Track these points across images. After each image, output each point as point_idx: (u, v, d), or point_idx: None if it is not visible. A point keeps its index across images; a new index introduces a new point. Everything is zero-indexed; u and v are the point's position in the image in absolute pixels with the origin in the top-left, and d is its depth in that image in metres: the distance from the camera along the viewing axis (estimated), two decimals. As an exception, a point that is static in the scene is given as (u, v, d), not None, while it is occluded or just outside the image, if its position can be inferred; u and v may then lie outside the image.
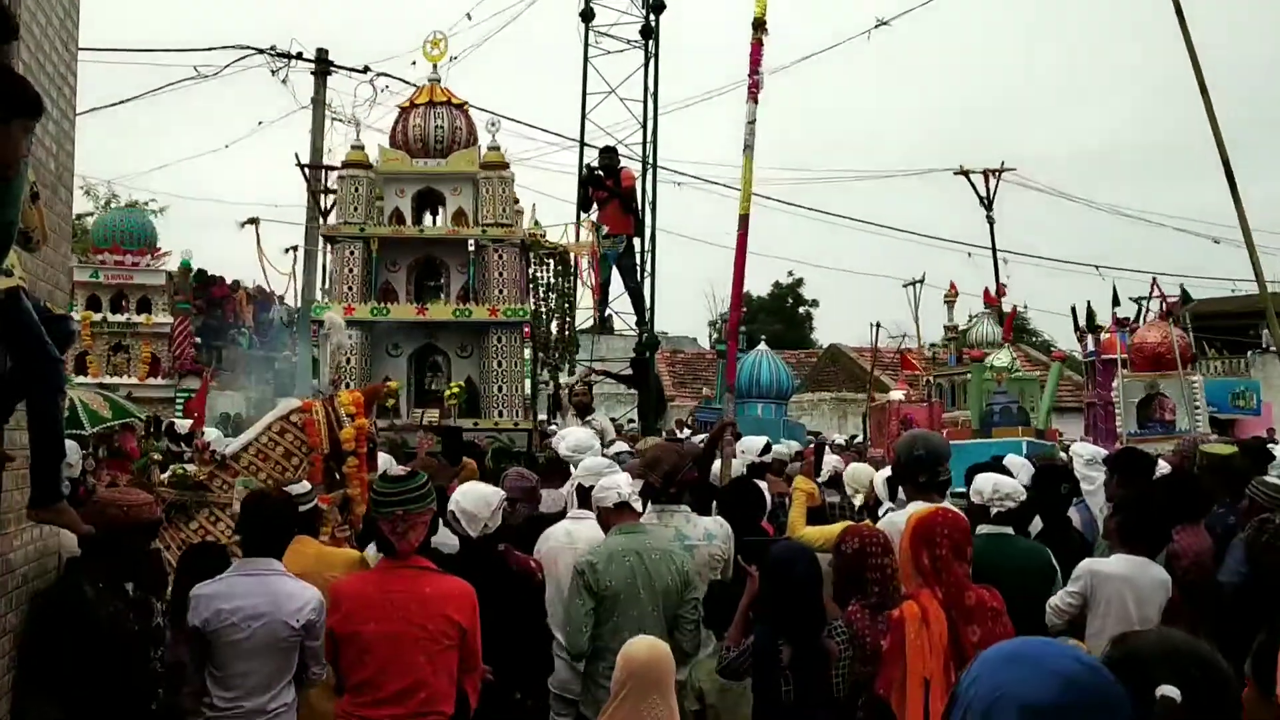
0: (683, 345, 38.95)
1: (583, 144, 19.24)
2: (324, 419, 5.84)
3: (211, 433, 7.98)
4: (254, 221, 17.29)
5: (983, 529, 4.95)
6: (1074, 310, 17.07)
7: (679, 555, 4.68)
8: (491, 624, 4.22)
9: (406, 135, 10.83)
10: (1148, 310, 16.40)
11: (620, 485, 4.79)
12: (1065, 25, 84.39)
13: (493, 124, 11.08)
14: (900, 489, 5.50)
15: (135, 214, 17.94)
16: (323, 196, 21.17)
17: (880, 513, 5.87)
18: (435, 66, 11.38)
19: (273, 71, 20.73)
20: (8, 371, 3.49)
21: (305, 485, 5.03)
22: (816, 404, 30.36)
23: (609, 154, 16.34)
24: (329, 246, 10.88)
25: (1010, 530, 5.16)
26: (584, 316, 14.18)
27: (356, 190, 10.54)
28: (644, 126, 19.41)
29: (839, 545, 4.51)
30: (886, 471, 6.10)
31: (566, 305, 12.48)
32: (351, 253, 10.35)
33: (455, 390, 10.23)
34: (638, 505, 4.79)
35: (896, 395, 17.04)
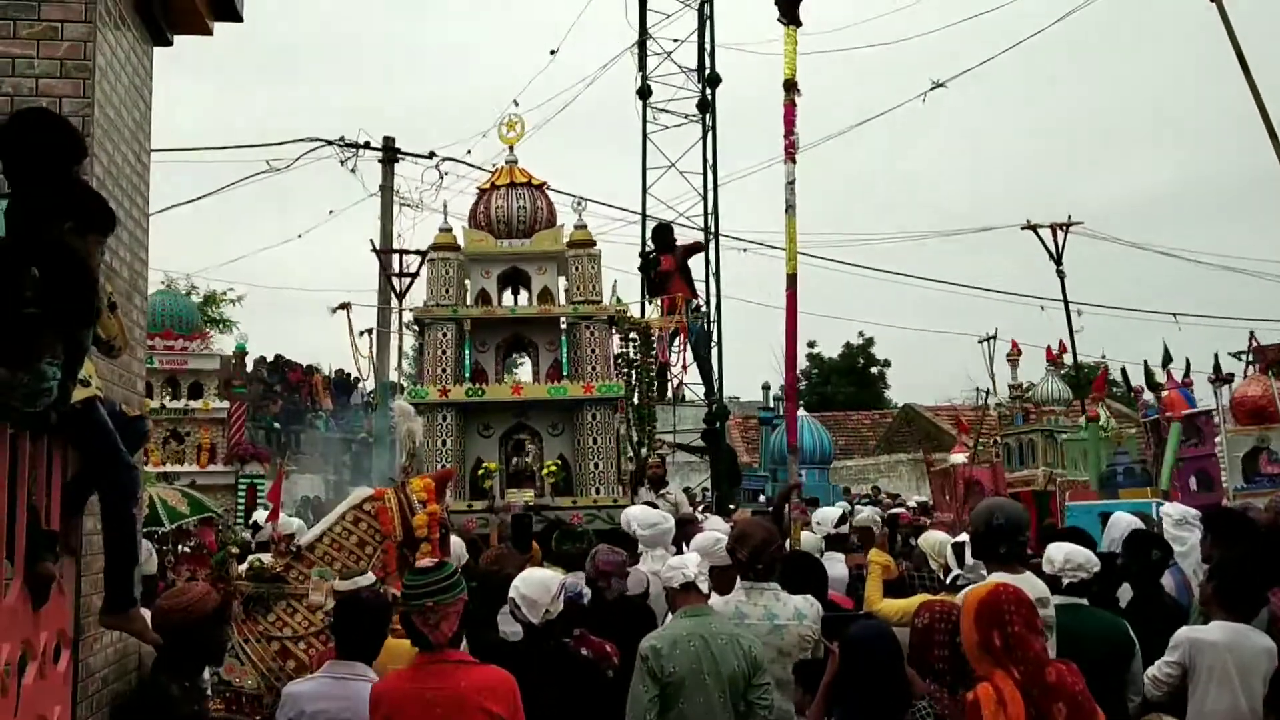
0: (754, 411, 38.77)
1: (644, 218, 19.44)
2: (396, 506, 5.86)
3: (294, 522, 8.09)
4: (345, 306, 17.52)
5: (1055, 600, 4.78)
6: (1146, 365, 16.70)
7: (745, 639, 4.55)
8: (557, 712, 4.17)
9: (489, 216, 11.00)
10: (1249, 363, 16.01)
11: (688, 565, 4.71)
12: (1120, 70, 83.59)
13: (579, 203, 11.25)
14: (970, 555, 5.34)
15: (179, 298, 17.81)
16: (396, 279, 21.66)
17: (948, 580, 5.71)
18: (511, 148, 11.62)
19: (342, 161, 21.37)
20: (79, 474, 3.58)
21: (370, 577, 5.03)
22: (894, 465, 29.89)
23: (662, 233, 16.55)
24: (421, 329, 10.94)
25: (1084, 601, 5.01)
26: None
27: (447, 272, 10.63)
28: (704, 198, 19.57)
29: (914, 621, 4.44)
30: (957, 537, 5.94)
31: (651, 379, 12.52)
32: (444, 334, 10.44)
33: (553, 468, 10.22)
34: (704, 586, 4.70)
35: (958, 458, 16.79)
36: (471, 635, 4.76)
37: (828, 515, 7.58)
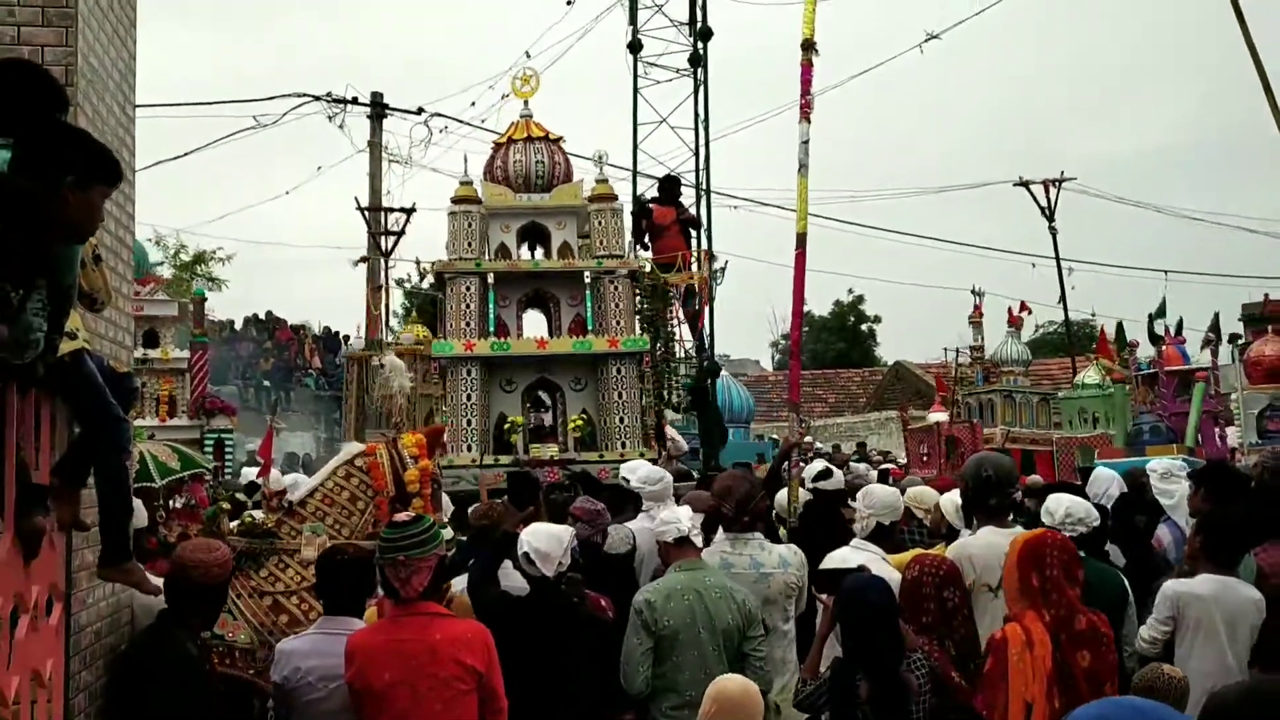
0: (745, 369, 38.82)
1: (635, 174, 19.30)
2: (388, 462, 5.85)
3: (287, 479, 8.08)
4: (366, 260, 17.27)
5: None
6: (1150, 319, 16.86)
7: (740, 593, 4.59)
8: (563, 665, 4.19)
9: (507, 171, 10.93)
10: (1252, 321, 16.35)
11: (681, 520, 4.73)
12: (1117, 26, 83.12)
13: (600, 156, 11.16)
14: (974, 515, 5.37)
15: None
16: (383, 238, 21.53)
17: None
18: (526, 103, 11.54)
19: (329, 117, 21.17)
20: (76, 436, 3.56)
21: (449, 533, 5.00)
22: (884, 423, 30.01)
23: (669, 185, 16.32)
24: (441, 282, 10.76)
25: (1081, 554, 5.01)
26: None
27: (469, 225, 10.55)
28: (696, 154, 19.43)
29: (904, 573, 4.47)
30: (955, 497, 5.96)
31: (670, 335, 12.49)
32: (467, 288, 10.37)
33: (579, 423, 10.23)
34: (698, 540, 4.73)
35: (938, 417, 17.08)
36: (472, 589, 4.78)
37: (809, 470, 7.65)
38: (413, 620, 3.90)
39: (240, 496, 7.42)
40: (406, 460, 5.92)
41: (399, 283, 43.26)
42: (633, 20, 19.63)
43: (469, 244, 10.50)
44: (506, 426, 10.05)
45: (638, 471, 6.75)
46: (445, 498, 6.68)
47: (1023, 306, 20.59)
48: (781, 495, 6.74)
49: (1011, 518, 5.22)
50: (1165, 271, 26.71)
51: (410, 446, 6.02)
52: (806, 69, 7.51)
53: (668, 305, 12.10)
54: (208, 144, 22.26)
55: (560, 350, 10.38)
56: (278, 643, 4.42)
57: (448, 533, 4.97)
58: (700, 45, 19.35)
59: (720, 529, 5.16)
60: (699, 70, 19.35)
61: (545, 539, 4.50)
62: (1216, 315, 16.84)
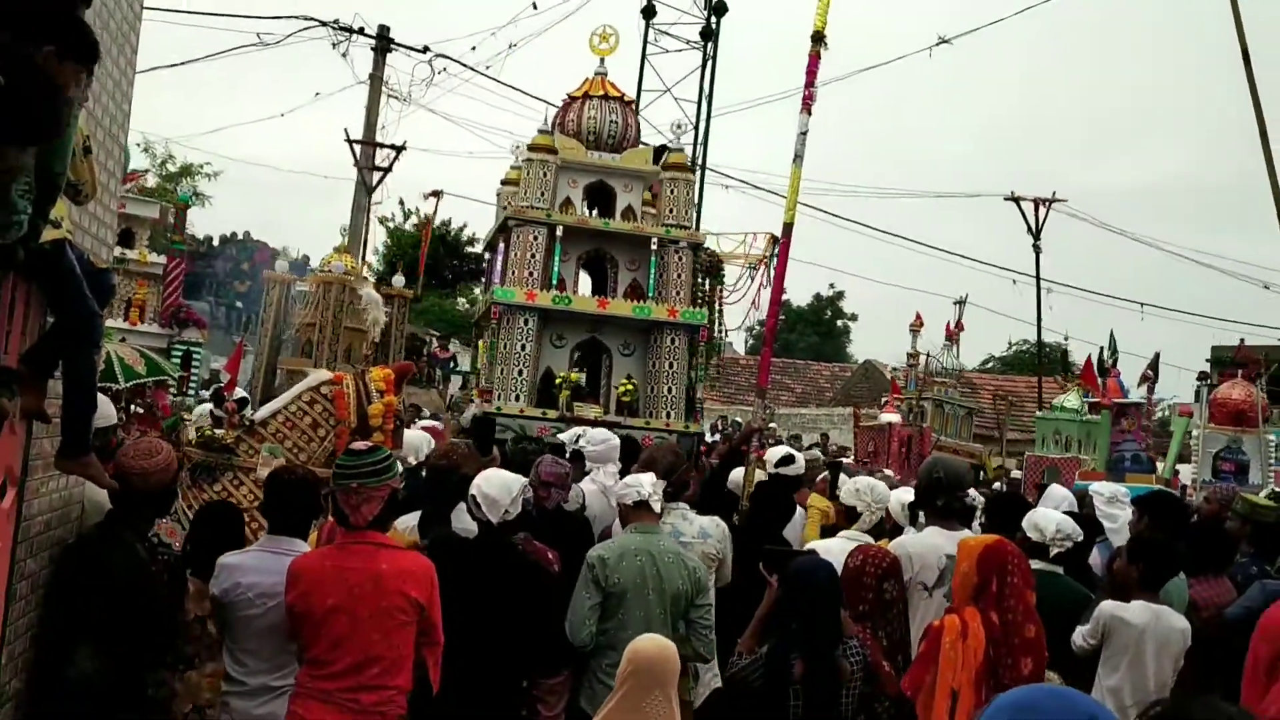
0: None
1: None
2: (354, 393, 5.86)
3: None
4: (437, 194, 16.84)
5: (1035, 565, 4.89)
6: (1101, 351, 17.34)
7: (692, 561, 4.69)
8: (502, 611, 4.24)
9: (579, 126, 10.80)
10: (1227, 366, 17.01)
11: (643, 484, 4.80)
12: (1131, 60, 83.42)
13: (678, 125, 11.08)
14: (920, 514, 5.47)
15: None
16: (372, 173, 21.37)
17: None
18: (603, 60, 11.36)
19: (333, 44, 20.93)
20: (49, 326, 3.55)
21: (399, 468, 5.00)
22: (847, 418, 30.19)
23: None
24: (506, 229, 10.62)
25: (1060, 570, 5.13)
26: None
27: (544, 175, 10.42)
28: (696, 128, 19.40)
29: (846, 561, 4.55)
30: (903, 495, 6.06)
31: (718, 311, 12.48)
32: (535, 238, 10.27)
33: (629, 387, 10.19)
34: (657, 506, 4.79)
35: (890, 418, 17.50)
36: (424, 526, 4.82)
37: (770, 455, 7.75)
38: (360, 548, 3.93)
39: (218, 412, 7.41)
40: (373, 394, 5.93)
41: (381, 220, 43.03)
42: (649, -18, 19.53)
43: (541, 193, 10.38)
44: (559, 380, 10.01)
45: (590, 437, 6.84)
46: (418, 435, 6.71)
47: (959, 325, 21.68)
48: (738, 474, 6.82)
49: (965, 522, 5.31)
50: (1141, 304, 27.02)
51: (378, 380, 6.03)
52: (814, 60, 7.51)
53: (721, 284, 12.07)
54: (207, 55, 21.92)
55: (619, 312, 10.37)
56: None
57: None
58: (714, 19, 19.28)
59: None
60: (709, 44, 19.29)
61: (496, 486, 4.53)
62: (1157, 355, 17.47)
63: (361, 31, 21.12)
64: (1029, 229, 27.01)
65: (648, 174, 10.92)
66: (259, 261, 24.59)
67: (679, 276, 10.55)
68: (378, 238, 43.71)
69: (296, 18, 20.45)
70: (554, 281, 10.25)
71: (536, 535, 5.02)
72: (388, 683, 3.84)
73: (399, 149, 21.41)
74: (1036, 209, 27.07)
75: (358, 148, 21.13)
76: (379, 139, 21.43)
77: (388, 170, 21.37)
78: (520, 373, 9.92)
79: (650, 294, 10.55)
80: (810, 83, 7.52)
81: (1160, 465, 13.31)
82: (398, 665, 3.88)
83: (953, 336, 21.58)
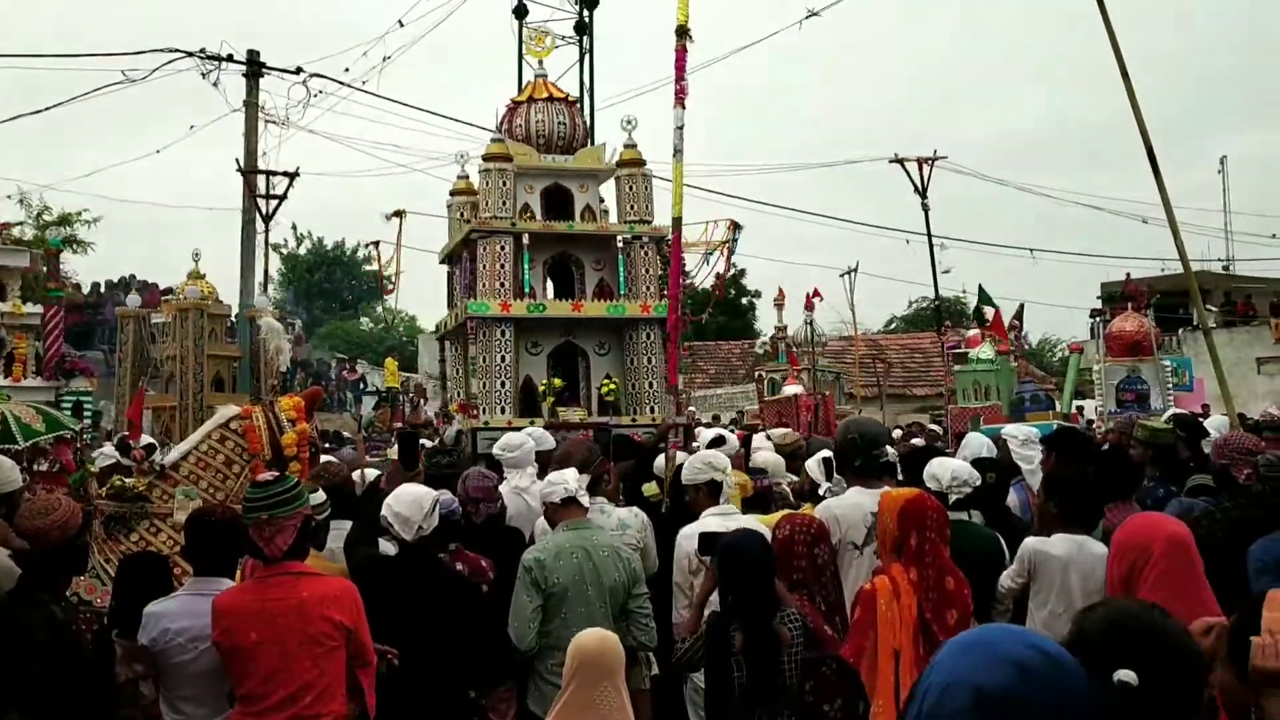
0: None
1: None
2: (265, 425, 5.76)
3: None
4: (400, 214, 16.35)
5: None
6: (979, 303, 18.13)
7: (625, 552, 4.72)
8: (433, 624, 4.23)
9: (528, 130, 10.68)
10: (1119, 300, 18.26)
11: (568, 480, 4.81)
12: (991, 16, 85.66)
13: (628, 121, 11.01)
14: (835, 472, 5.59)
15: None
16: (267, 202, 20.96)
17: (822, 494, 5.96)
18: (541, 62, 11.31)
19: (203, 74, 20.46)
20: None
21: (320, 495, 4.87)
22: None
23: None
24: (470, 242, 10.43)
25: (965, 516, 5.20)
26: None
27: (503, 183, 10.30)
28: (580, 123, 19.37)
29: (774, 532, 4.63)
30: (820, 454, 6.19)
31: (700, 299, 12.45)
32: (502, 248, 10.14)
33: (612, 387, 10.19)
34: (585, 500, 4.82)
35: (793, 390, 18.07)
36: (348, 550, 4.78)
37: (704, 437, 7.84)
38: (280, 579, 3.90)
39: (125, 461, 7.22)
40: (284, 424, 5.84)
41: (275, 248, 42.14)
42: (518, -17, 19.46)
43: (503, 202, 10.29)
44: (543, 387, 9.97)
45: (500, 440, 6.86)
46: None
47: (816, 293, 23.03)
48: (661, 464, 6.87)
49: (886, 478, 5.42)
50: (1031, 250, 27.83)
51: (288, 410, 5.93)
52: (681, 55, 7.52)
53: (685, 274, 12.08)
54: (72, 98, 21.15)
55: (594, 314, 10.35)
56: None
57: (319, 496, 4.90)
58: (586, 12, 19.29)
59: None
60: (584, 38, 19.31)
61: (405, 504, 4.51)
62: (1021, 306, 18.62)
63: (230, 58, 20.67)
64: (915, 189, 27.66)
65: (602, 172, 10.94)
66: (149, 303, 23.88)
67: (647, 272, 10.60)
68: (273, 265, 42.89)
69: (161, 50, 19.94)
70: (526, 290, 10.23)
71: (468, 545, 5.01)
72: (322, 710, 3.82)
73: (293, 175, 21.05)
74: (920, 168, 27.73)
75: (255, 178, 20.69)
76: (262, 165, 21.02)
77: (283, 197, 21.00)
78: (502, 384, 9.91)
79: (621, 292, 10.60)
80: (680, 77, 7.53)
81: (1058, 403, 13.85)
82: (330, 691, 3.86)
83: (810, 306, 23.05)
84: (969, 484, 5.24)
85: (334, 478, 5.50)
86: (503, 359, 9.96)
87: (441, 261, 11.80)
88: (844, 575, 4.83)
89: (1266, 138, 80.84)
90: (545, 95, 10.99)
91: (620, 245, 10.67)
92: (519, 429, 8.08)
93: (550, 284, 10.94)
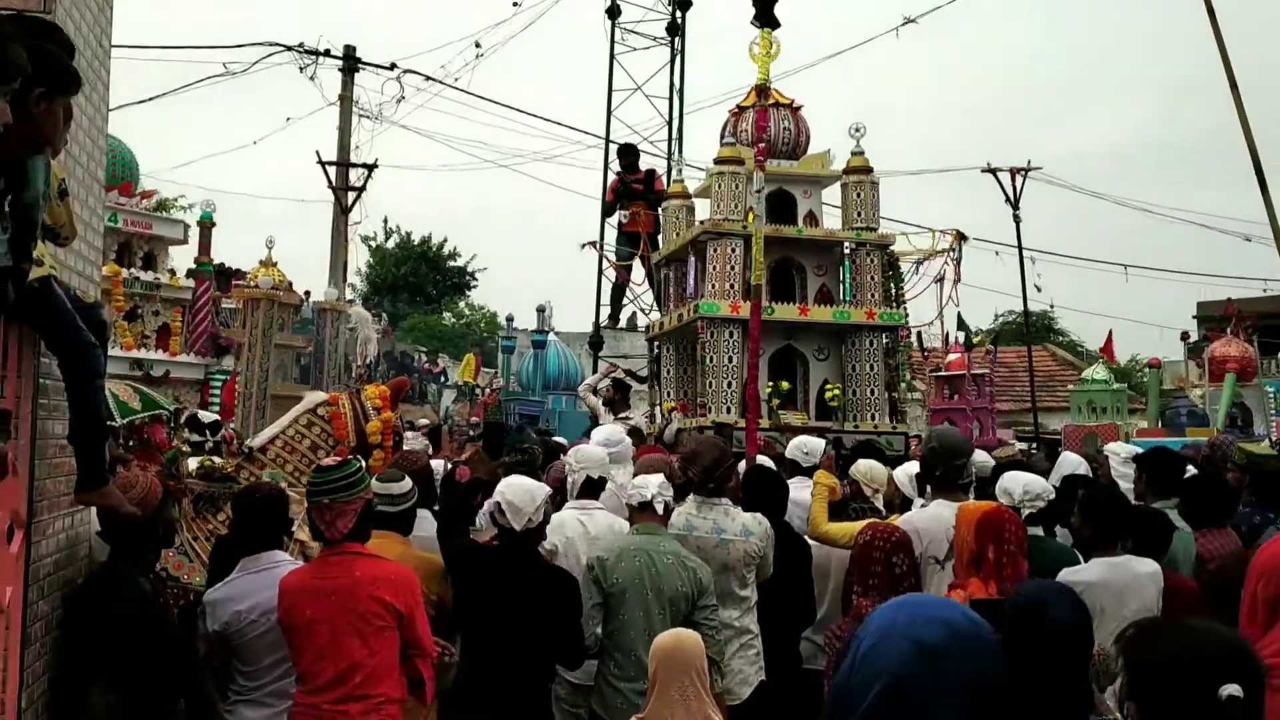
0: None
1: (608, 141, 19.27)
2: (350, 412, 5.87)
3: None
4: (594, 244, 16.55)
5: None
6: (968, 330, 17.95)
7: (693, 562, 4.61)
8: (527, 618, 4.24)
9: (752, 136, 10.77)
10: (1216, 325, 18.22)
11: (650, 485, 4.76)
12: (1091, 23, 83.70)
13: (857, 128, 11.11)
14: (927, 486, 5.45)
15: (115, 141, 13.17)
16: (346, 194, 21.33)
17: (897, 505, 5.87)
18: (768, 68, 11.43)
19: (300, 68, 20.92)
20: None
21: (407, 483, 4.90)
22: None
23: (628, 153, 16.37)
24: (699, 243, 10.69)
25: (1039, 531, 5.05)
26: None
27: (736, 187, 10.49)
28: (669, 124, 19.43)
29: (858, 536, 4.59)
30: (909, 468, 6.02)
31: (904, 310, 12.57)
32: (732, 250, 10.35)
33: (836, 392, 10.32)
34: (660, 508, 4.76)
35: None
36: (442, 540, 4.80)
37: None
38: (338, 559, 3.98)
39: (191, 436, 7.40)
40: (369, 412, 5.94)
41: (364, 239, 42.90)
42: (612, -17, 19.55)
43: (735, 205, 10.46)
44: (768, 389, 10.10)
45: (596, 435, 6.83)
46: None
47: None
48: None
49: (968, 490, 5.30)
50: (1125, 266, 27.11)
51: (374, 398, 6.04)
52: (762, 116, 7.54)
53: (901, 281, 12.14)
54: (175, 89, 21.85)
55: (819, 319, 10.48)
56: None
57: (406, 483, 4.94)
58: (679, 14, 19.30)
59: (690, 493, 5.22)
60: (676, 39, 19.32)
61: (518, 493, 4.46)
62: (1110, 331, 18.57)
63: (328, 53, 21.11)
64: (1007, 199, 27.08)
65: (826, 178, 11.05)
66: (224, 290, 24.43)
67: (871, 279, 10.66)
68: (361, 258, 43.64)
69: (262, 44, 20.45)
70: (749, 292, 10.31)
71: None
72: (372, 691, 3.85)
73: (371, 167, 21.40)
74: (1013, 179, 27.14)
75: (331, 170, 21.10)
76: (353, 159, 21.40)
77: (361, 189, 21.35)
78: (729, 384, 10.05)
79: (846, 298, 10.70)
80: (760, 138, 7.59)
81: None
82: (381, 673, 3.89)
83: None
84: (1042, 498, 5.12)
85: (413, 465, 5.55)
86: (730, 359, 10.10)
87: (657, 265, 11.98)
88: (924, 590, 4.72)
89: (1379, 157, 77.67)
90: (771, 101, 11.04)
91: (848, 251, 10.78)
92: (744, 429, 8.04)
93: (774, 287, 11.03)
